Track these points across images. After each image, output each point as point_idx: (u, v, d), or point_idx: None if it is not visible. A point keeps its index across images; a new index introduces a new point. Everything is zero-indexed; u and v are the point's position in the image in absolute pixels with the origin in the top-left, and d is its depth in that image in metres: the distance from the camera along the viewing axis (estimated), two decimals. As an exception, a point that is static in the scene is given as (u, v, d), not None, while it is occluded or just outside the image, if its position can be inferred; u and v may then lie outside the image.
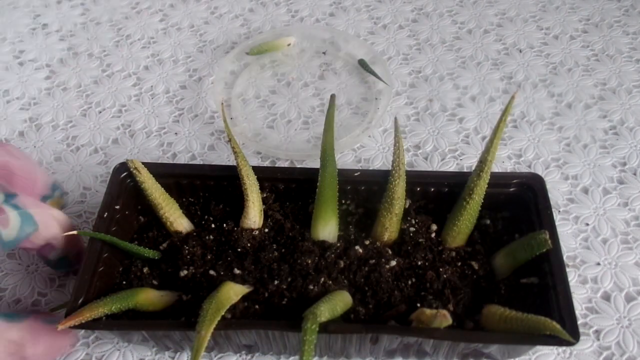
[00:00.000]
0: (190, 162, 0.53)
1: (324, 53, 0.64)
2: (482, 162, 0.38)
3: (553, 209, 0.40)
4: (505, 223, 0.43)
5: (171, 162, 0.54)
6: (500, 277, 0.40)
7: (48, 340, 0.36)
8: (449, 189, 0.43)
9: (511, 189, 0.42)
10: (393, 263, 0.39)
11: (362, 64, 0.61)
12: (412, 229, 0.41)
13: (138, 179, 0.40)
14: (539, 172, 0.50)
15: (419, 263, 0.40)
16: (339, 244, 0.40)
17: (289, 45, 0.64)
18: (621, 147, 0.54)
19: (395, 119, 0.40)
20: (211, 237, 0.41)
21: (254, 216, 0.41)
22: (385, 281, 0.38)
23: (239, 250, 0.40)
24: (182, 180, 0.43)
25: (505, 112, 0.37)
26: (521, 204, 0.42)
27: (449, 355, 0.38)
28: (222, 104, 0.43)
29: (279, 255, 0.40)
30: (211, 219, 0.43)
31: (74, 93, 0.60)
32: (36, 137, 0.56)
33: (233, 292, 0.36)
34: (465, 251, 0.41)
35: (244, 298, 0.37)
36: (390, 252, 0.40)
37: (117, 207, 0.41)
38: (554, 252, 0.37)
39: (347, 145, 0.54)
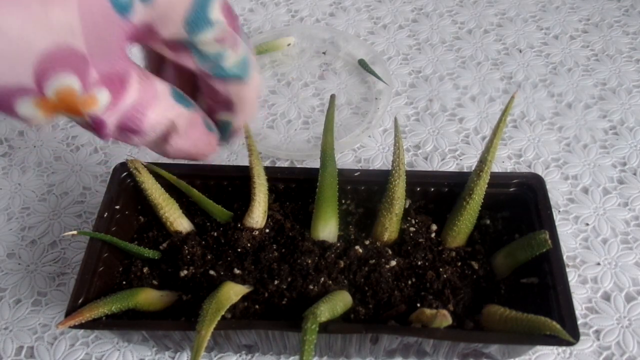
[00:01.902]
0: (190, 162, 0.53)
1: (324, 53, 0.64)
2: (482, 162, 0.38)
3: (553, 209, 0.40)
4: (505, 223, 0.43)
5: (171, 162, 0.53)
6: (500, 277, 0.40)
7: (197, 138, 0.33)
8: (449, 189, 0.43)
9: (511, 189, 0.42)
10: (393, 263, 0.39)
11: (362, 64, 0.61)
12: (412, 229, 0.41)
13: (138, 179, 0.40)
14: (539, 172, 0.50)
15: (419, 263, 0.40)
16: (339, 244, 0.40)
17: (289, 45, 0.64)
18: (621, 147, 0.54)
19: (395, 119, 0.40)
20: (211, 237, 0.41)
21: (257, 215, 0.41)
22: (385, 281, 0.38)
23: (239, 250, 0.40)
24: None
25: (505, 112, 0.37)
26: (521, 204, 0.42)
27: (449, 355, 0.38)
28: None
29: (279, 255, 0.40)
30: (211, 218, 0.43)
31: (74, 93, 0.60)
32: (36, 136, 0.56)
33: (233, 292, 0.36)
34: (465, 251, 0.41)
35: (244, 298, 0.37)
36: (390, 252, 0.40)
37: (117, 207, 0.41)
38: (554, 252, 0.37)
39: (347, 145, 0.54)
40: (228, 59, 0.31)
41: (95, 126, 0.28)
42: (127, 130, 0.29)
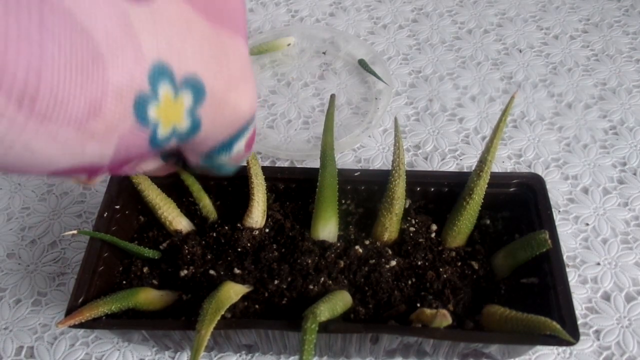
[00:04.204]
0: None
1: (324, 53, 0.64)
2: (482, 162, 0.38)
3: (553, 209, 0.40)
4: (505, 223, 0.43)
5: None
6: (500, 277, 0.40)
7: (160, 170, 0.36)
8: (449, 189, 0.43)
9: (511, 189, 0.42)
10: (393, 263, 0.39)
11: (362, 64, 0.61)
12: (412, 229, 0.41)
13: (134, 180, 0.40)
14: (539, 172, 0.50)
15: (419, 263, 0.40)
16: (339, 244, 0.40)
17: (289, 45, 0.64)
18: (621, 147, 0.54)
19: (395, 119, 0.40)
20: (211, 236, 0.41)
21: (257, 215, 0.41)
22: (385, 281, 0.38)
23: (239, 250, 0.40)
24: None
25: (505, 112, 0.37)
26: (521, 204, 0.42)
27: (449, 355, 0.38)
28: None
29: (279, 255, 0.40)
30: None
31: (74, 93, 0.60)
32: (36, 136, 0.56)
33: (233, 291, 0.36)
34: (465, 251, 0.41)
35: (244, 298, 0.37)
36: (390, 252, 0.40)
37: (117, 206, 0.41)
38: (554, 252, 0.37)
39: (347, 145, 0.54)
40: (228, 169, 0.34)
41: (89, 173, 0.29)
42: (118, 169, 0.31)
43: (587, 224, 0.48)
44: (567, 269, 0.38)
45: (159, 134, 0.25)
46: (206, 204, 0.42)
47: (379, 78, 0.59)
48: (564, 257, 0.38)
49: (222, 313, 0.33)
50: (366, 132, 0.55)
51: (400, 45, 0.65)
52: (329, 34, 0.66)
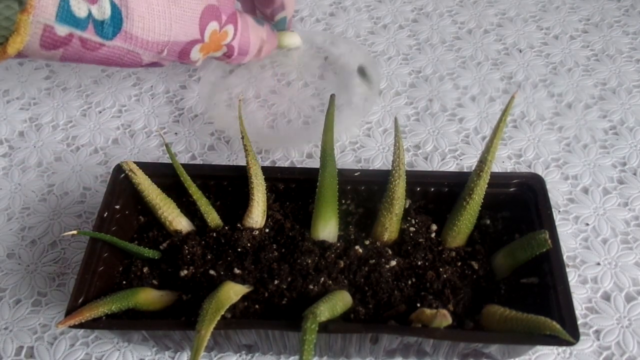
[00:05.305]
0: (190, 162, 0.53)
1: (325, 58, 0.64)
2: (482, 162, 0.38)
3: (553, 209, 0.40)
4: (505, 223, 0.43)
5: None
6: (500, 277, 0.40)
7: (273, 42, 0.55)
8: (449, 189, 0.43)
9: (511, 189, 0.42)
10: (393, 263, 0.39)
11: (360, 71, 0.61)
12: (412, 229, 0.41)
13: (134, 180, 0.41)
14: (539, 172, 0.50)
15: (419, 263, 0.40)
16: (339, 244, 0.40)
17: (292, 48, 0.64)
18: (621, 147, 0.54)
19: (395, 119, 0.40)
20: (211, 237, 0.41)
21: (257, 215, 0.41)
22: (385, 281, 0.38)
23: (239, 250, 0.40)
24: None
25: (505, 112, 0.37)
26: (521, 204, 0.42)
27: (449, 355, 0.38)
28: (240, 100, 0.43)
29: (279, 255, 0.40)
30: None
31: (74, 93, 0.60)
32: (36, 137, 0.56)
33: (233, 291, 0.36)
34: (465, 251, 0.41)
35: (244, 298, 0.37)
36: (390, 252, 0.40)
37: (117, 207, 0.41)
38: (554, 252, 0.37)
39: (349, 125, 0.55)
40: None
41: (228, 52, 0.48)
42: (241, 53, 0.49)
43: (587, 224, 0.48)
44: (567, 269, 0.38)
45: None
46: (214, 218, 0.42)
47: (373, 87, 0.58)
48: (564, 257, 0.38)
49: (222, 313, 0.33)
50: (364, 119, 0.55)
51: (400, 45, 0.65)
52: (329, 35, 0.66)
